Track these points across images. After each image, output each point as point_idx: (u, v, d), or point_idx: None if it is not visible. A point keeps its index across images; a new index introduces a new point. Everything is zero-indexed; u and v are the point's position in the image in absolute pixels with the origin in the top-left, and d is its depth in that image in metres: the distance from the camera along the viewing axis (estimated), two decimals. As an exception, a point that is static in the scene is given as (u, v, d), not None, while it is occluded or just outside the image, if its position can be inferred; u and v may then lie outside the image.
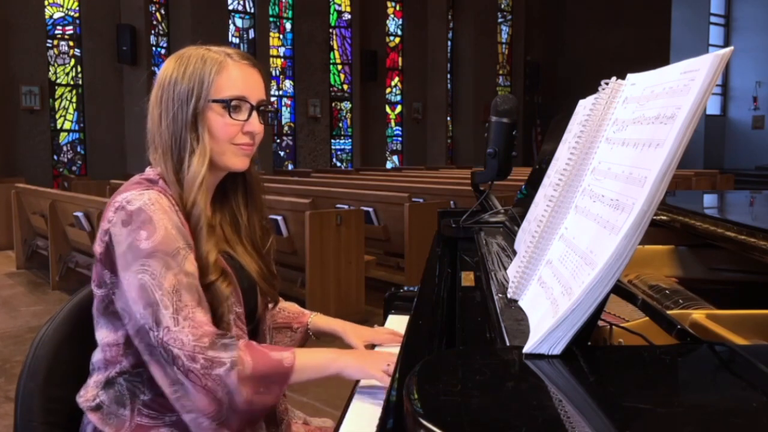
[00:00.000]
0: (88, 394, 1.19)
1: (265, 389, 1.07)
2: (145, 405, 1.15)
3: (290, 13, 12.82)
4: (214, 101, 1.16)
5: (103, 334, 1.18)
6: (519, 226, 1.21)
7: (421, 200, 5.28)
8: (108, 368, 1.17)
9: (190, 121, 1.16)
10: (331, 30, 13.37)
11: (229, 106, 1.16)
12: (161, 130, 1.17)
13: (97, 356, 1.20)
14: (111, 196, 1.16)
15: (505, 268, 1.09)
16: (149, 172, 1.20)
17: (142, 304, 1.06)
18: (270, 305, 1.35)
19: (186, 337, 1.04)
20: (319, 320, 1.45)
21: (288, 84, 12.94)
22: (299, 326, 1.44)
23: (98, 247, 1.13)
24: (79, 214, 5.02)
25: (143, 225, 1.08)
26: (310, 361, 1.12)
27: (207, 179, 1.17)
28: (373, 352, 1.20)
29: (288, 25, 12.84)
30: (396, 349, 1.18)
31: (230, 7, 11.90)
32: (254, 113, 1.19)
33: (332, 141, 13.66)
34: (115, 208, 1.11)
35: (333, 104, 13.59)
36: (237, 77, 1.18)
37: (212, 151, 1.17)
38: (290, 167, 12.72)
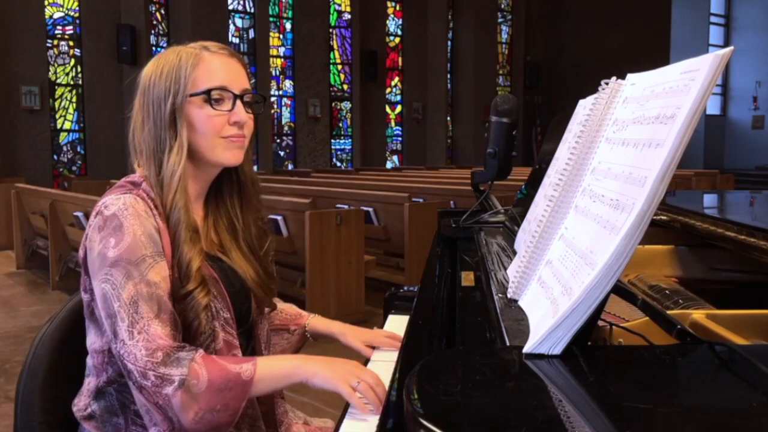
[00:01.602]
0: (81, 404, 1.18)
1: (223, 405, 1.01)
2: (137, 415, 1.12)
3: (290, 13, 12.82)
4: (193, 95, 1.13)
5: (91, 339, 1.16)
6: (519, 226, 1.21)
7: (421, 200, 5.28)
8: (99, 375, 1.16)
9: (168, 119, 1.13)
10: (331, 30, 13.37)
11: (210, 97, 1.13)
12: (144, 135, 1.15)
13: (88, 362, 1.19)
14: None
15: (505, 268, 1.09)
16: (136, 174, 1.18)
17: (104, 314, 1.05)
18: (266, 310, 1.32)
19: (139, 351, 1.01)
20: (317, 322, 1.42)
21: (288, 84, 12.94)
22: (296, 328, 1.41)
23: (81, 252, 1.12)
24: (79, 214, 5.02)
25: (113, 232, 1.06)
26: (272, 370, 1.07)
27: (190, 177, 1.15)
28: (344, 362, 1.10)
29: (288, 25, 12.83)
30: (394, 354, 1.18)
31: (230, 7, 11.90)
32: (239, 102, 1.15)
33: (332, 141, 13.66)
34: (96, 212, 1.10)
35: (333, 104, 13.59)
36: (215, 68, 1.15)
37: (201, 147, 1.15)
38: (290, 167, 12.72)
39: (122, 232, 1.06)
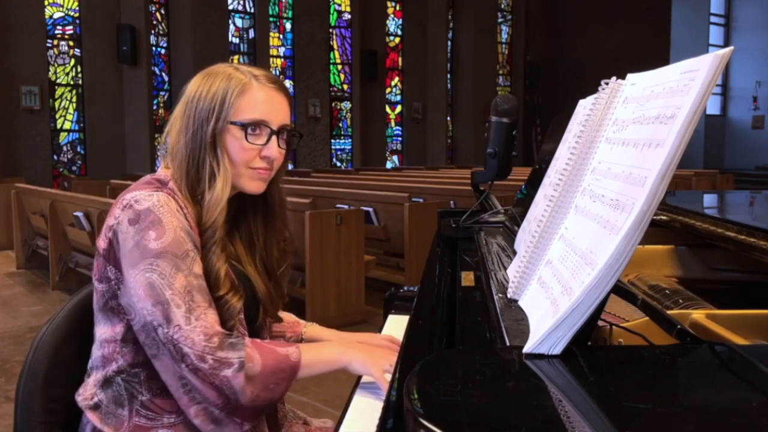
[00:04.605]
0: (87, 393, 1.19)
1: (275, 384, 1.09)
2: (143, 406, 1.15)
3: (290, 13, 12.82)
4: (233, 123, 1.16)
5: (102, 330, 1.18)
6: (519, 226, 1.21)
7: (421, 200, 5.28)
8: (106, 366, 1.17)
9: (209, 141, 1.16)
10: (331, 30, 13.36)
11: (247, 129, 1.16)
12: (180, 144, 1.18)
13: (95, 353, 1.20)
14: (120, 194, 1.17)
15: (505, 268, 1.09)
16: (161, 172, 1.20)
17: (150, 301, 1.07)
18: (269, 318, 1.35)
19: (198, 336, 1.06)
20: (314, 331, 1.45)
21: (288, 84, 12.94)
22: (292, 335, 1.43)
23: (102, 243, 1.14)
24: (79, 214, 5.02)
25: (152, 225, 1.09)
26: (319, 357, 1.16)
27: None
28: (379, 349, 1.21)
29: (288, 25, 12.83)
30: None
31: (230, 7, 11.90)
32: (273, 138, 1.19)
33: (332, 141, 13.66)
34: (123, 206, 1.12)
35: (333, 104, 13.59)
36: (259, 100, 1.18)
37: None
38: (290, 167, 12.72)
39: (162, 226, 1.09)
